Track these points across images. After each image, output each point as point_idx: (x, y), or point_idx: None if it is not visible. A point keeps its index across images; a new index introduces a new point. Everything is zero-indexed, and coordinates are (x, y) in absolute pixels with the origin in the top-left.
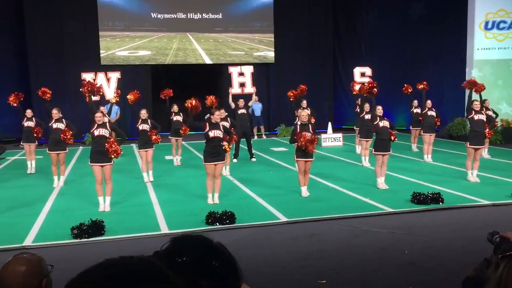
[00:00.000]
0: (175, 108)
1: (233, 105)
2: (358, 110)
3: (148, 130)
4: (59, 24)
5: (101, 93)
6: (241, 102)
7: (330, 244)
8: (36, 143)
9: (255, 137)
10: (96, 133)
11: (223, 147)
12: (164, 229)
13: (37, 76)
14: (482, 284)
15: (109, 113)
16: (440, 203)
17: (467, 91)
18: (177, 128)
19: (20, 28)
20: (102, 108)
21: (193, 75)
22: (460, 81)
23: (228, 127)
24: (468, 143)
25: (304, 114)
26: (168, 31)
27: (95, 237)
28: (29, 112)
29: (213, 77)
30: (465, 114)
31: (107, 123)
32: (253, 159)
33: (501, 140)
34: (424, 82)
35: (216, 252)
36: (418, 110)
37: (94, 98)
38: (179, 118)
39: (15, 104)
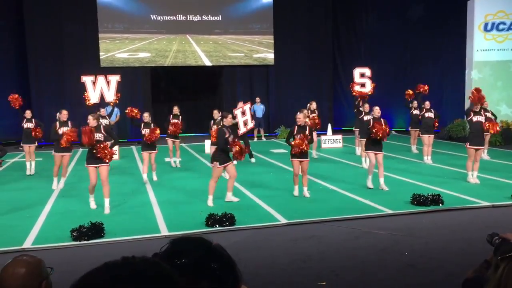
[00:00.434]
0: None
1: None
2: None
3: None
4: (59, 25)
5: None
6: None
7: (330, 246)
8: (36, 144)
9: (255, 138)
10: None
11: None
12: (164, 231)
13: (37, 77)
14: (482, 285)
15: (109, 115)
16: (440, 205)
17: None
18: (174, 130)
19: (20, 29)
20: (102, 110)
21: (193, 77)
22: (460, 83)
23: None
24: (468, 143)
25: (300, 116)
26: (168, 33)
27: (94, 239)
28: (28, 113)
29: (213, 79)
30: (465, 117)
31: (102, 127)
32: (253, 160)
33: (501, 141)
34: (426, 88)
35: (216, 254)
36: (417, 112)
37: (93, 101)
38: (176, 120)
39: (17, 107)
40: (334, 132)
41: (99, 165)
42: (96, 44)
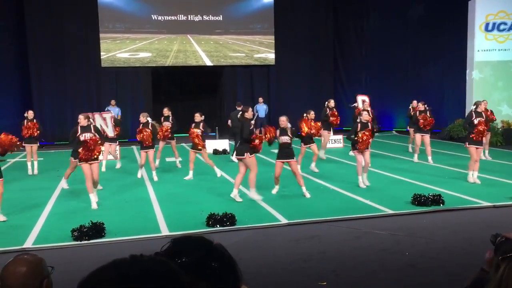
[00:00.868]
0: (165, 111)
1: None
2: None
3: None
4: (59, 25)
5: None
6: (238, 105)
7: (330, 246)
8: (38, 144)
9: None
10: (82, 138)
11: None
12: (165, 230)
13: (38, 77)
14: (483, 285)
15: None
16: (441, 205)
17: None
18: (162, 135)
19: (21, 29)
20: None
21: (194, 77)
22: (461, 83)
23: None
24: (467, 143)
25: (283, 119)
26: (169, 33)
27: (95, 239)
28: (30, 113)
29: (213, 79)
30: (464, 123)
31: (92, 126)
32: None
33: (502, 141)
34: (429, 109)
35: (216, 253)
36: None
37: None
38: (167, 123)
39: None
40: (335, 132)
41: (92, 162)
42: (97, 44)
